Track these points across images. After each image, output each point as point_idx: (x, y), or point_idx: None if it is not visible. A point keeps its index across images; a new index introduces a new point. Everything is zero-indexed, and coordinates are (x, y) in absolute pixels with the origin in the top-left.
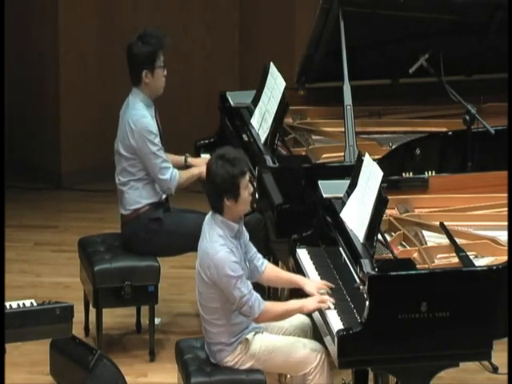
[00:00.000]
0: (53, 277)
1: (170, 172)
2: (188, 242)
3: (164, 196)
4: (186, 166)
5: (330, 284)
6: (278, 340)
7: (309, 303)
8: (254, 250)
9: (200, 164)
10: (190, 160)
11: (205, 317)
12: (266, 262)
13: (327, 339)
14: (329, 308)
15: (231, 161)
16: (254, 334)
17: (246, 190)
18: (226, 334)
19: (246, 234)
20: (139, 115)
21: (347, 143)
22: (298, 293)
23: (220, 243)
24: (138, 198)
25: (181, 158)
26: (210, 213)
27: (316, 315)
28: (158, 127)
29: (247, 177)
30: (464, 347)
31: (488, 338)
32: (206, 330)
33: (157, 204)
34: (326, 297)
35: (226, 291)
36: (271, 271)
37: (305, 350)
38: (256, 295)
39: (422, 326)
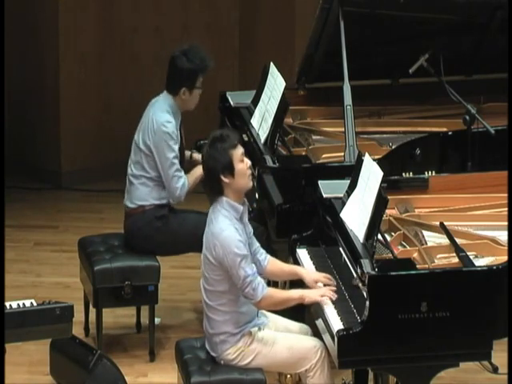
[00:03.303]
0: (53, 277)
1: (182, 181)
2: (188, 242)
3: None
4: (189, 162)
5: (330, 277)
6: (280, 335)
7: (310, 294)
8: (258, 244)
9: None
10: (195, 155)
11: (209, 303)
12: (268, 256)
13: (327, 339)
14: (330, 303)
15: (219, 138)
16: (257, 330)
17: (241, 163)
18: (231, 322)
19: (251, 229)
20: (165, 119)
21: (347, 143)
22: (299, 286)
23: (226, 223)
24: (146, 195)
25: (187, 153)
26: (214, 203)
27: (316, 314)
28: (181, 139)
29: (239, 149)
30: (464, 347)
31: (488, 338)
32: (210, 319)
33: (163, 205)
34: (329, 292)
35: (231, 270)
36: (273, 264)
37: (305, 345)
38: (260, 279)
39: (422, 326)
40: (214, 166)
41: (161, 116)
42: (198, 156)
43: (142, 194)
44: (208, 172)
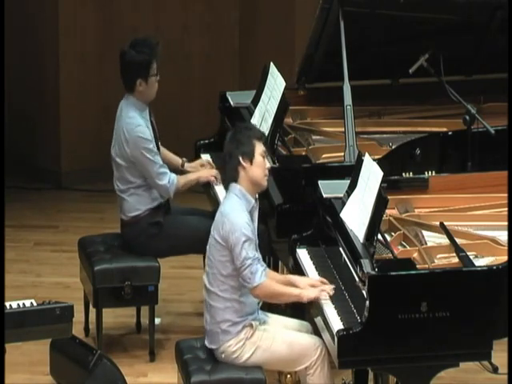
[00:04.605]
0: (53, 277)
1: (168, 177)
2: (186, 245)
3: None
4: (180, 171)
5: (325, 280)
6: (280, 331)
7: (309, 292)
8: (260, 256)
9: (197, 168)
10: (187, 165)
11: (211, 289)
12: (266, 267)
13: (327, 339)
14: (330, 303)
15: (246, 127)
16: (258, 323)
17: (262, 157)
18: (232, 310)
19: (257, 239)
20: (134, 124)
21: (347, 143)
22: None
23: (236, 206)
24: (137, 204)
25: (178, 160)
26: (228, 189)
27: (316, 314)
28: (154, 129)
29: (262, 145)
30: (464, 347)
31: (488, 338)
32: (211, 308)
33: (157, 208)
34: (326, 287)
35: (234, 249)
36: (270, 274)
37: (305, 342)
38: (260, 267)
39: (421, 326)
40: (236, 148)
41: (129, 123)
42: (189, 166)
43: (133, 205)
44: (228, 154)
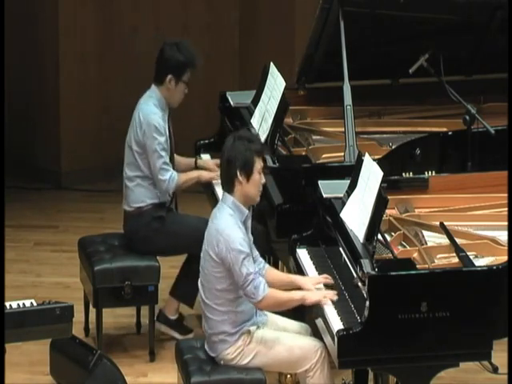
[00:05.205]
0: (53, 277)
1: (169, 174)
2: (187, 244)
3: (169, 198)
4: (196, 168)
5: (329, 277)
6: (279, 335)
7: (312, 295)
8: (257, 252)
9: (209, 166)
10: (200, 162)
11: (207, 302)
12: (266, 265)
13: (327, 339)
14: (330, 303)
15: (250, 139)
16: (256, 328)
17: (259, 174)
18: (229, 322)
19: (251, 237)
20: (150, 111)
21: (347, 143)
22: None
23: (231, 221)
24: (142, 196)
25: (191, 161)
26: (221, 197)
27: (316, 314)
28: (170, 132)
29: (261, 161)
30: (464, 347)
31: (488, 338)
32: (208, 319)
33: (161, 204)
34: (330, 292)
35: (233, 267)
36: (270, 274)
37: (305, 344)
38: (262, 279)
39: (421, 326)
40: (235, 158)
41: (146, 109)
42: (202, 162)
43: (138, 196)
44: (227, 163)
